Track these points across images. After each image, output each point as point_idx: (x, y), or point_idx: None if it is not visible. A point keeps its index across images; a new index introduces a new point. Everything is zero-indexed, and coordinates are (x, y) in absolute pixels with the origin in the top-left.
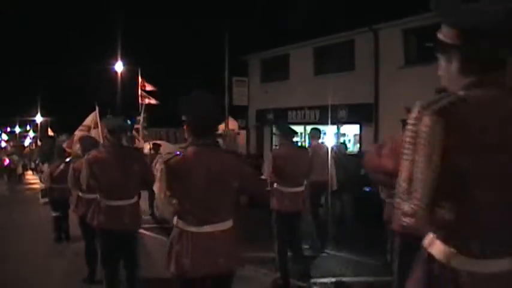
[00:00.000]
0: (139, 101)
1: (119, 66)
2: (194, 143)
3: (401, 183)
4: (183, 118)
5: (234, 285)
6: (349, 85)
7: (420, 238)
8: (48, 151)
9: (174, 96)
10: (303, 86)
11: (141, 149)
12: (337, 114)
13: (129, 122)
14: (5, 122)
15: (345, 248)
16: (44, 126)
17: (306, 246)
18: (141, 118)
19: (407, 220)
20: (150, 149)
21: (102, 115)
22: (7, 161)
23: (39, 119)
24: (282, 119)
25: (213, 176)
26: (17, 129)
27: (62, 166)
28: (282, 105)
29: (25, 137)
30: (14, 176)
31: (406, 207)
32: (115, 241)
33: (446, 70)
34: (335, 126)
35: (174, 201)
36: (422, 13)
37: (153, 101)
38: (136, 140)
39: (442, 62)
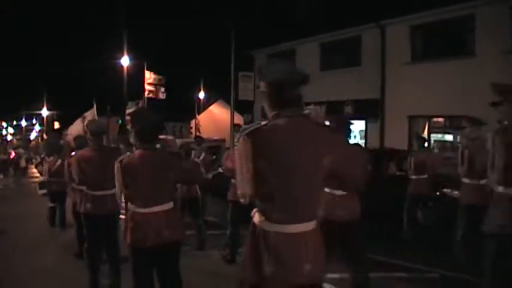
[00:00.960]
0: (145, 94)
1: (125, 61)
2: (141, 147)
3: (238, 177)
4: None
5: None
6: (355, 81)
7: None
8: (55, 145)
9: (180, 91)
10: (309, 81)
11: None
12: (343, 110)
13: (120, 121)
14: (12, 115)
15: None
16: (49, 119)
17: None
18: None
19: (242, 200)
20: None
21: (101, 111)
22: (13, 154)
23: (45, 112)
24: None
25: (155, 170)
26: (23, 123)
27: (59, 161)
28: None
29: (31, 130)
30: (18, 170)
31: (240, 191)
32: (99, 225)
33: (265, 106)
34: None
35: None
36: (429, 9)
37: (160, 95)
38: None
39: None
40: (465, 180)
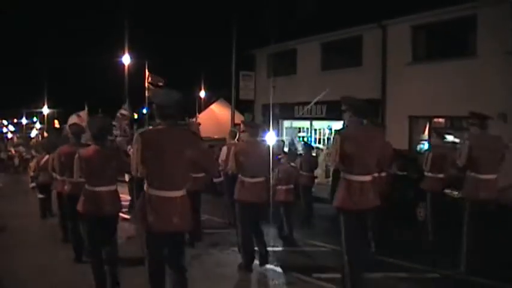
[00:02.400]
0: (146, 94)
1: (126, 59)
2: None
3: (133, 160)
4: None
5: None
6: (356, 81)
7: None
8: (55, 142)
9: (181, 90)
10: (310, 81)
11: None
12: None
13: (114, 123)
14: (12, 113)
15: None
16: (50, 117)
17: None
18: (124, 111)
19: (133, 173)
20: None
21: (93, 113)
22: (13, 152)
23: (45, 110)
24: (289, 113)
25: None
26: (24, 121)
27: (46, 156)
28: (288, 100)
29: (32, 128)
30: (13, 168)
31: (133, 170)
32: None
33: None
34: (341, 122)
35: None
36: (431, 9)
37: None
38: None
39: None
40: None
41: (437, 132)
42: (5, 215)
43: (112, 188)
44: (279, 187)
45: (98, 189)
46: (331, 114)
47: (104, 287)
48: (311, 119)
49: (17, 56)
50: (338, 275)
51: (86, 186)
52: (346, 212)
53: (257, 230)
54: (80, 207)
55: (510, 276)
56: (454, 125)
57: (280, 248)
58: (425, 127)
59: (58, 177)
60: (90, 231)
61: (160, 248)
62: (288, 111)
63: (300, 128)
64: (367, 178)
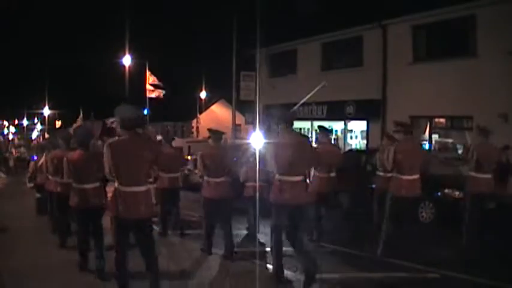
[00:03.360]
0: (147, 94)
1: (126, 60)
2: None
3: (106, 165)
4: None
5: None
6: (357, 81)
7: None
8: (56, 143)
9: (181, 90)
10: (311, 81)
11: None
12: (344, 110)
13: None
14: (13, 114)
15: (349, 243)
16: (51, 119)
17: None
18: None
19: (107, 176)
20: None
21: (86, 117)
22: (14, 153)
23: (47, 111)
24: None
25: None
26: (25, 122)
27: (43, 158)
28: (289, 101)
29: (33, 129)
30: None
31: (105, 172)
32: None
33: None
34: (342, 122)
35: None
36: (431, 9)
37: (160, 95)
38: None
39: None
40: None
41: (480, 129)
42: (6, 215)
43: (96, 184)
44: (248, 184)
45: (83, 186)
46: (332, 115)
47: (86, 259)
48: (312, 119)
49: (18, 57)
50: (339, 275)
51: (74, 184)
52: (277, 206)
53: (225, 223)
54: (71, 202)
55: (510, 276)
56: (454, 125)
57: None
58: (426, 127)
59: (50, 177)
60: (80, 221)
61: (127, 233)
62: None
63: (300, 129)
64: (297, 178)
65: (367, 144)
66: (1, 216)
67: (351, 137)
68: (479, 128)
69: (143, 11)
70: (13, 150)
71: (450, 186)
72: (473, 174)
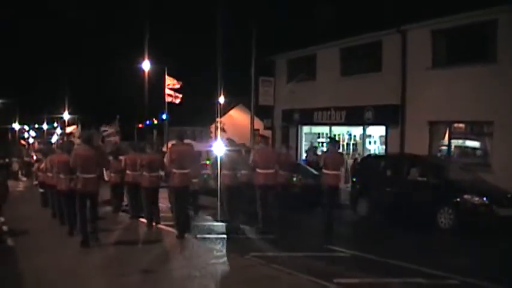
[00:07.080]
0: (166, 99)
1: (146, 65)
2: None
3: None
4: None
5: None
6: (375, 86)
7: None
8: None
9: (200, 95)
10: (330, 86)
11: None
12: (363, 116)
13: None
14: (34, 118)
15: (369, 249)
16: (71, 123)
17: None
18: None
19: None
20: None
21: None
22: (34, 157)
23: (66, 116)
24: (308, 119)
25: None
26: (45, 126)
27: (45, 161)
28: (308, 106)
29: (52, 134)
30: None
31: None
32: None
33: None
34: (361, 127)
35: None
36: (451, 14)
37: (178, 99)
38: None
39: None
40: None
41: None
42: (28, 218)
43: (94, 175)
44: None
45: (85, 175)
46: (351, 120)
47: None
48: (330, 124)
49: (39, 62)
50: (359, 280)
51: (78, 173)
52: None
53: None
54: (76, 187)
55: None
56: (474, 130)
57: (299, 254)
58: (445, 132)
59: (49, 174)
60: (80, 202)
61: (85, 201)
62: (308, 116)
63: (319, 134)
64: (270, 171)
65: (386, 150)
66: (22, 219)
67: (370, 142)
68: None
69: (162, 17)
70: (33, 154)
71: (470, 191)
72: None
